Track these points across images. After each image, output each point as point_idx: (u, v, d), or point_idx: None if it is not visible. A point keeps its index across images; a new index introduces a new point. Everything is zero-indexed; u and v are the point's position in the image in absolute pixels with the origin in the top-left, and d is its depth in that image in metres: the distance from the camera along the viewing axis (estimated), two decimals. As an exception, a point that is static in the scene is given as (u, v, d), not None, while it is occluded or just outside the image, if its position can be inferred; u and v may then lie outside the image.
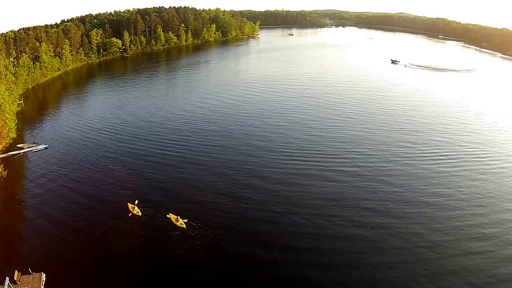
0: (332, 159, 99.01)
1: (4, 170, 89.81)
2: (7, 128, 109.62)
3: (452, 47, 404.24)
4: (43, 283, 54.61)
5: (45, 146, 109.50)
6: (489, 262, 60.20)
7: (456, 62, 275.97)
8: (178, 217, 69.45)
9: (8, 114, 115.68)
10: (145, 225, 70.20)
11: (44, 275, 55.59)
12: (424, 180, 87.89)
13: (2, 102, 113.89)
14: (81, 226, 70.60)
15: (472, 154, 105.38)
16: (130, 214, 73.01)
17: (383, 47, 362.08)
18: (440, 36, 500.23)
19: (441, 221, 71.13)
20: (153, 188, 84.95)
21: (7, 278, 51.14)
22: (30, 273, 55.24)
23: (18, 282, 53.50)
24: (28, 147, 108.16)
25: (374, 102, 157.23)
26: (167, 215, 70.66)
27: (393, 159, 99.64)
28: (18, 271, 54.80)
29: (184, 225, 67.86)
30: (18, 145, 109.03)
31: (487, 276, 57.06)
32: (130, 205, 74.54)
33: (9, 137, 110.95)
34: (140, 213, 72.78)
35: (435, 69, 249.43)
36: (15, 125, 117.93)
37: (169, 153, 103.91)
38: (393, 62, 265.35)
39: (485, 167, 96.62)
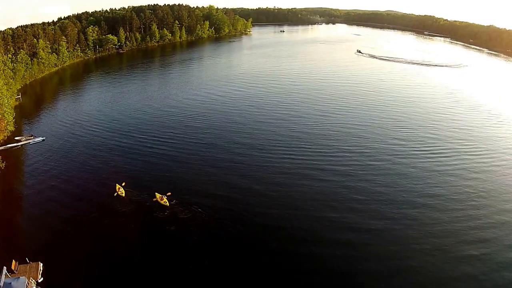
0: (322, 156, 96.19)
1: (2, 162, 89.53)
2: (5, 122, 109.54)
3: (439, 43, 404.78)
4: (41, 272, 53.97)
5: (42, 138, 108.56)
6: (487, 265, 57.20)
7: (437, 56, 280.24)
8: (163, 196, 73.38)
9: (6, 108, 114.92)
10: (136, 206, 73.14)
11: (41, 264, 55.04)
12: (417, 179, 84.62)
13: (0, 96, 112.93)
14: (76, 215, 70.39)
15: (466, 151, 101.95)
16: (116, 194, 75.95)
17: (367, 42, 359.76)
18: (425, 32, 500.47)
19: (436, 223, 67.76)
20: (144, 173, 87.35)
21: (5, 268, 50.42)
22: (27, 263, 54.68)
23: (15, 271, 52.78)
24: (26, 140, 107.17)
25: (364, 98, 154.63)
26: (155, 194, 74.32)
27: (385, 157, 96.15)
28: (15, 261, 54.14)
29: (167, 203, 72.11)
30: (16, 138, 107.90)
31: (485, 280, 54.72)
32: (117, 186, 77.78)
33: (7, 130, 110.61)
34: (123, 194, 76.05)
35: (398, 60, 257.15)
36: (13, 119, 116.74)
37: (161, 144, 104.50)
38: (358, 51, 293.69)
39: (480, 165, 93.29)
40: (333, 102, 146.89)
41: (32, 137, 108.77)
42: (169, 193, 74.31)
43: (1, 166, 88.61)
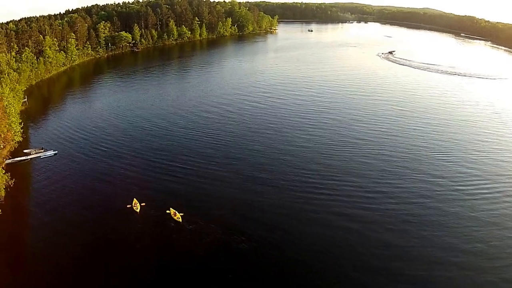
0: (353, 183, 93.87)
1: (11, 178, 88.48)
2: (12, 132, 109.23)
3: (479, 47, 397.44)
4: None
5: (54, 152, 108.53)
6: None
7: (479, 65, 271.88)
8: (176, 211, 78.20)
9: (14, 117, 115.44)
10: (152, 225, 76.38)
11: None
12: (462, 216, 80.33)
13: (6, 105, 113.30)
14: (92, 238, 72.38)
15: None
16: (129, 206, 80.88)
17: (400, 46, 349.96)
18: (462, 34, 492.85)
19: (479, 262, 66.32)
20: (162, 191, 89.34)
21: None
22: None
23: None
24: (36, 153, 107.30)
25: (400, 118, 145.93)
26: (169, 210, 79.12)
27: (424, 185, 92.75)
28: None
29: (180, 219, 76.71)
30: (25, 151, 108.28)
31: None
32: (134, 200, 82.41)
33: (14, 141, 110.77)
34: (138, 210, 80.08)
35: (435, 70, 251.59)
36: (21, 129, 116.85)
37: (179, 158, 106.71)
38: (390, 52, 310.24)
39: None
40: (364, 120, 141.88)
41: (42, 151, 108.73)
42: (182, 214, 77.98)
43: (9, 183, 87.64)
